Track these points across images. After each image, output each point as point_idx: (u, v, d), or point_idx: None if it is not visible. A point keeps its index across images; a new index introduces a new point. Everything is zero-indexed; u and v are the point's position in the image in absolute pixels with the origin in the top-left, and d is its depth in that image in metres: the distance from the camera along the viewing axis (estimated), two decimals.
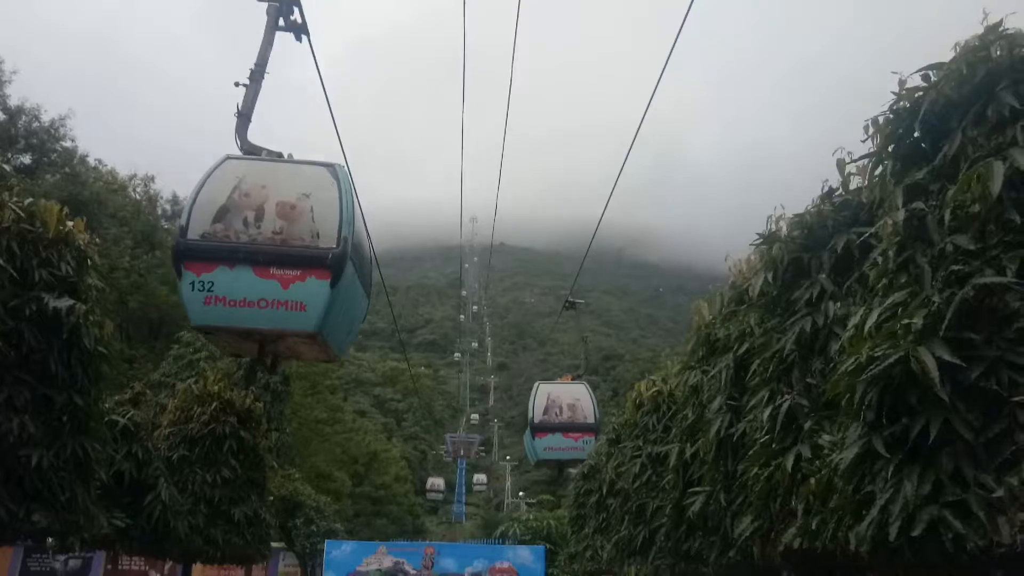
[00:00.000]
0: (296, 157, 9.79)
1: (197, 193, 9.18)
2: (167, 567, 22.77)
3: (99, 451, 7.39)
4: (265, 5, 10.32)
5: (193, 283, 8.90)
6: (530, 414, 22.11)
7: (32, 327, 6.56)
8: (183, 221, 9.15)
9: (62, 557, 23.88)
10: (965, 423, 3.48)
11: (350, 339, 11.59)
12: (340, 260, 9.09)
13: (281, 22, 10.27)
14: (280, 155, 9.83)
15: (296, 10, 10.28)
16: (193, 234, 8.98)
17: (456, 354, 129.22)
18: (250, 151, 9.88)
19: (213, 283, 8.90)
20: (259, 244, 8.98)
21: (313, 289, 9.03)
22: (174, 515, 10.25)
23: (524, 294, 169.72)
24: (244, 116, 10.29)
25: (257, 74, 10.52)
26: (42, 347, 6.63)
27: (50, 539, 7.42)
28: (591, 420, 21.16)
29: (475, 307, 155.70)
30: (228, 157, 9.62)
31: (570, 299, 24.20)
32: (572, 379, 24.11)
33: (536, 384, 23.65)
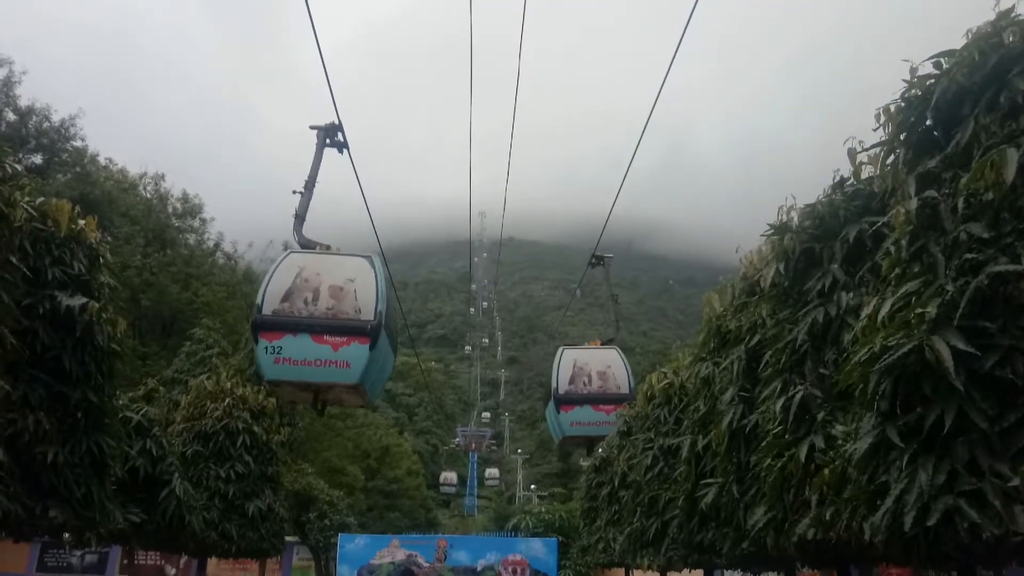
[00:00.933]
0: (341, 248, 12.79)
1: (269, 279, 12.08)
2: (182, 561, 22.98)
3: (114, 447, 7.45)
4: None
5: (267, 347, 11.64)
6: (553, 384, 18.82)
7: (46, 325, 6.61)
8: (259, 300, 11.92)
9: (78, 552, 24.15)
10: (980, 412, 3.46)
11: (382, 387, 14.40)
12: (377, 330, 11.80)
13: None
14: (328, 247, 12.73)
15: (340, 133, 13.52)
16: (267, 310, 11.72)
17: (467, 347, 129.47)
18: (306, 245, 12.69)
19: (282, 347, 11.58)
20: (316, 318, 11.69)
21: (356, 351, 11.67)
22: (189, 510, 10.32)
23: (533, 288, 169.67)
24: (300, 218, 13.20)
25: (310, 184, 13.40)
26: (56, 345, 6.69)
27: (66, 535, 7.48)
28: (625, 390, 17.76)
29: (485, 303, 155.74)
30: (291, 251, 12.73)
31: (596, 255, 20.51)
32: (601, 344, 20.45)
33: (560, 349, 19.83)
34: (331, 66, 9.72)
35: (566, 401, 18.31)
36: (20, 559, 24.07)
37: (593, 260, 21.02)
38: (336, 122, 13.41)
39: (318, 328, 11.78)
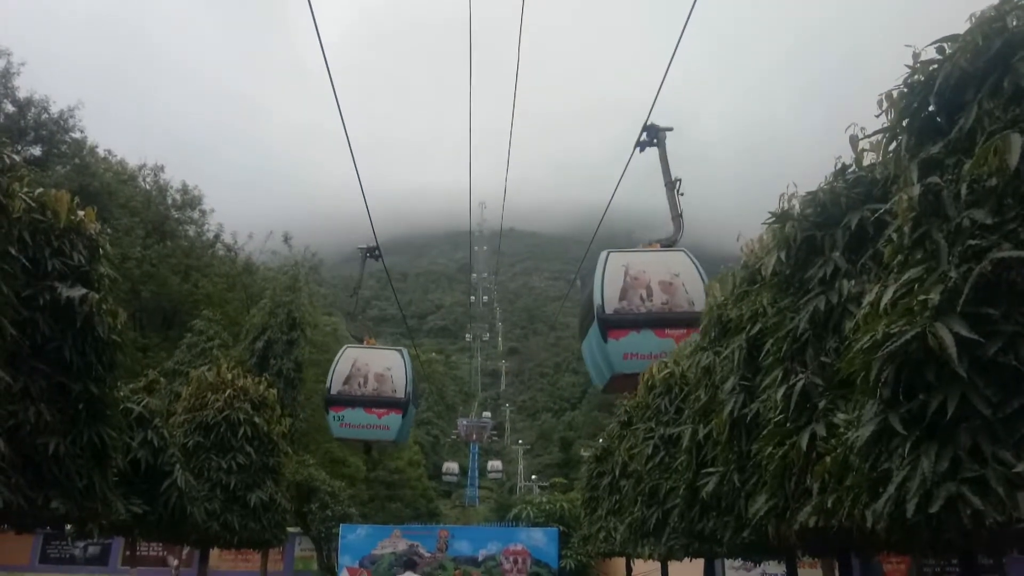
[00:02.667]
0: (380, 341, 22.17)
1: (335, 367, 19.01)
2: (184, 552, 23.03)
3: (115, 438, 7.44)
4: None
5: (334, 416, 18.81)
6: (596, 300, 13.83)
7: (46, 316, 6.59)
8: (328, 383, 18.80)
9: (81, 544, 24.24)
10: (983, 399, 3.45)
11: (408, 435, 23.33)
12: (406, 404, 18.89)
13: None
14: (373, 340, 20.33)
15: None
16: (334, 391, 18.69)
17: (468, 335, 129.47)
18: (358, 338, 20.46)
19: (344, 416, 18.59)
20: (366, 396, 18.41)
21: (393, 418, 18.62)
22: (190, 501, 10.33)
23: (533, 279, 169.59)
24: (351, 315, 21.61)
25: (356, 289, 21.31)
26: (56, 336, 6.67)
27: (68, 526, 7.49)
28: (700, 306, 11.60)
29: (486, 298, 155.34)
30: (348, 347, 19.86)
31: (651, 127, 14.87)
32: (660, 247, 15.07)
33: (604, 253, 14.60)
34: (329, 52, 9.68)
35: (617, 324, 13.45)
36: (23, 551, 24.16)
37: (642, 139, 14.96)
38: (375, 244, 18.95)
39: (368, 403, 18.63)
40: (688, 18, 8.06)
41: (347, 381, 18.76)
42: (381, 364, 19.12)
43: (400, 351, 19.87)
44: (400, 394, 18.89)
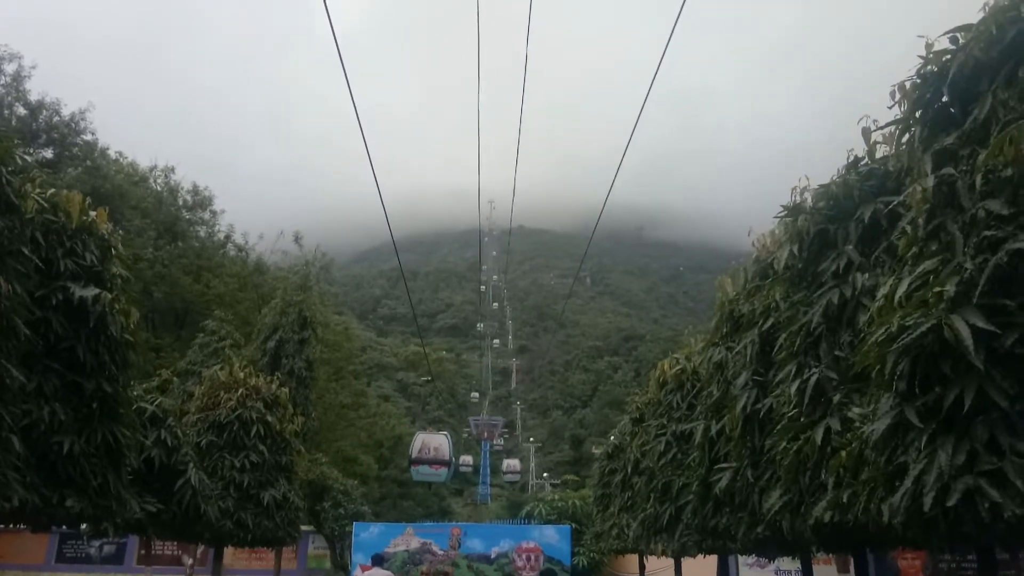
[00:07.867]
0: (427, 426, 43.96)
1: (413, 444, 36.73)
2: (199, 551, 23.16)
3: (129, 437, 7.47)
4: None
5: (415, 470, 36.52)
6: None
7: (59, 316, 6.63)
8: (410, 451, 36.73)
9: (96, 543, 24.41)
10: (1000, 391, 3.41)
11: (451, 477, 40.64)
12: (450, 463, 36.81)
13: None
14: (432, 429, 40.77)
15: None
16: (414, 455, 35.88)
17: (479, 324, 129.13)
18: (423, 429, 40.60)
19: (420, 470, 36.13)
20: (430, 458, 35.86)
21: (444, 471, 36.35)
22: (204, 499, 10.36)
23: (543, 276, 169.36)
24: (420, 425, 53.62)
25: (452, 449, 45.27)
26: (70, 336, 6.70)
27: (84, 525, 7.52)
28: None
29: (495, 304, 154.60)
30: (419, 433, 38.57)
31: None
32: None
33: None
34: (343, 48, 9.65)
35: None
36: (39, 550, 24.36)
37: None
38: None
39: (430, 462, 34.72)
40: (680, 14, 8.04)
41: (420, 451, 34.60)
42: (437, 442, 35.32)
43: (445, 434, 36.76)
44: (446, 458, 34.93)
